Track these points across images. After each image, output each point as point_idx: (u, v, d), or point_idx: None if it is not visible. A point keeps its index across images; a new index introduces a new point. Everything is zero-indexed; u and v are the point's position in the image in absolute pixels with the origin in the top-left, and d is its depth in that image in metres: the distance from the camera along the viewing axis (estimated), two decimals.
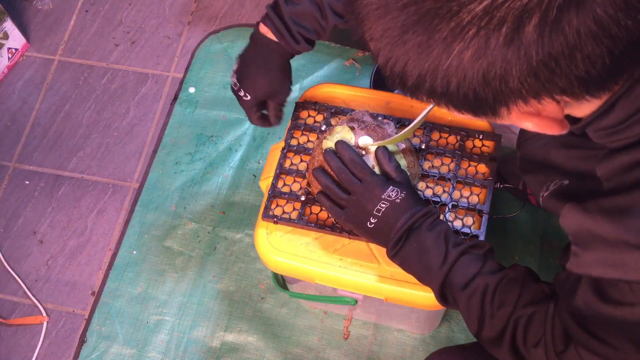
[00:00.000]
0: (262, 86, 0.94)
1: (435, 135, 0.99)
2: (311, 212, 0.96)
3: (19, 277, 1.43)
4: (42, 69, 1.68)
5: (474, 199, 0.94)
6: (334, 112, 1.03)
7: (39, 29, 1.73)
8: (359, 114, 0.96)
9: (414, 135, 0.99)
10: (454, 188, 0.95)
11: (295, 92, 1.53)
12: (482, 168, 0.96)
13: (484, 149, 0.98)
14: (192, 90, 1.59)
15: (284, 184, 0.99)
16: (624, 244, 0.55)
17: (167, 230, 1.43)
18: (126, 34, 1.70)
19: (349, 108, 1.03)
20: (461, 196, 0.94)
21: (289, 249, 0.95)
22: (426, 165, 0.97)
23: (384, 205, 0.83)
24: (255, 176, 1.47)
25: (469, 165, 0.97)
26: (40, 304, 1.40)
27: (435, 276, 0.80)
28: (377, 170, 0.89)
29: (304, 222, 0.95)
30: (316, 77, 1.55)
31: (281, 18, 0.89)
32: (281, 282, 1.13)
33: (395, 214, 0.82)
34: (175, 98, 1.58)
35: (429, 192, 0.95)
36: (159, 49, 1.67)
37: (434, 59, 0.47)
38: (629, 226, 0.54)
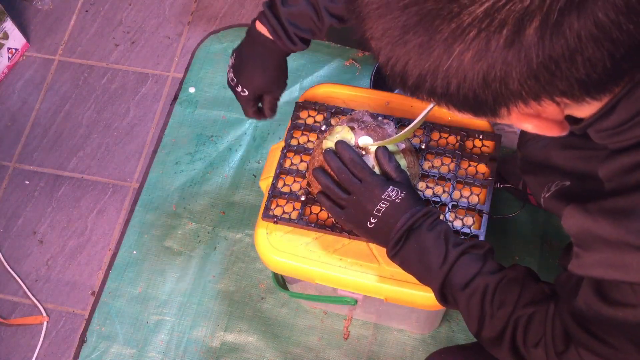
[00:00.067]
0: (259, 82, 0.96)
1: (435, 135, 0.99)
2: (311, 212, 0.96)
3: (19, 277, 1.43)
4: (42, 69, 1.68)
5: (474, 199, 0.94)
6: (334, 112, 1.03)
7: (39, 29, 1.73)
8: (359, 114, 0.96)
9: (414, 135, 0.99)
10: (454, 188, 0.95)
11: (295, 92, 1.53)
12: (482, 168, 0.96)
13: (484, 149, 0.98)
14: (192, 90, 1.59)
15: (284, 184, 0.99)
16: (626, 245, 0.55)
17: (167, 230, 1.43)
18: (126, 34, 1.70)
19: (349, 108, 1.03)
20: (461, 196, 0.94)
21: (289, 249, 0.95)
22: (426, 165, 0.97)
23: (384, 205, 0.83)
24: (255, 176, 1.47)
25: (469, 165, 0.97)
26: (40, 304, 1.40)
27: (435, 276, 0.80)
28: (377, 170, 0.89)
29: (304, 222, 0.95)
30: (316, 77, 1.55)
31: (278, 18, 0.90)
32: (281, 282, 1.13)
33: (395, 214, 0.82)
34: (175, 98, 1.58)
35: (429, 192, 0.95)
36: (159, 49, 1.67)
37: (435, 59, 0.47)
38: (630, 227, 0.54)
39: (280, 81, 0.98)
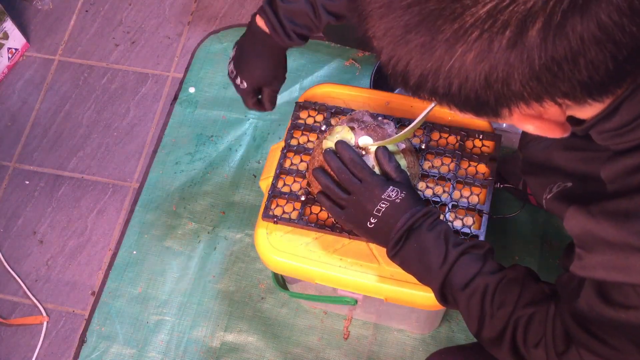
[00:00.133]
0: (258, 75, 0.97)
1: (435, 135, 0.99)
2: (311, 212, 0.96)
3: (19, 277, 1.43)
4: (42, 69, 1.68)
5: (474, 199, 0.94)
6: (334, 112, 1.03)
7: (39, 29, 1.73)
8: (359, 114, 0.96)
9: (414, 135, 0.99)
10: (454, 188, 0.95)
11: (295, 92, 1.53)
12: (482, 168, 0.96)
13: (484, 149, 0.98)
14: (192, 90, 1.59)
15: (284, 184, 0.99)
16: (628, 247, 0.55)
17: (167, 230, 1.43)
18: (126, 34, 1.70)
19: (349, 108, 1.03)
20: (461, 196, 0.94)
21: (289, 249, 0.95)
22: (426, 165, 0.97)
23: (384, 205, 0.83)
24: (255, 176, 1.47)
25: (469, 165, 0.97)
26: (40, 304, 1.40)
27: (435, 276, 0.80)
28: (377, 170, 0.89)
29: (304, 222, 0.95)
30: (316, 77, 1.55)
31: (276, 14, 0.91)
32: (281, 282, 1.13)
33: (395, 214, 0.82)
34: (175, 98, 1.58)
35: (429, 192, 0.95)
36: (159, 49, 1.67)
37: (437, 59, 0.47)
38: (633, 229, 0.54)
39: (279, 74, 1.00)
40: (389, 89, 1.24)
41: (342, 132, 0.92)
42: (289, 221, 0.96)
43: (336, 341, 1.29)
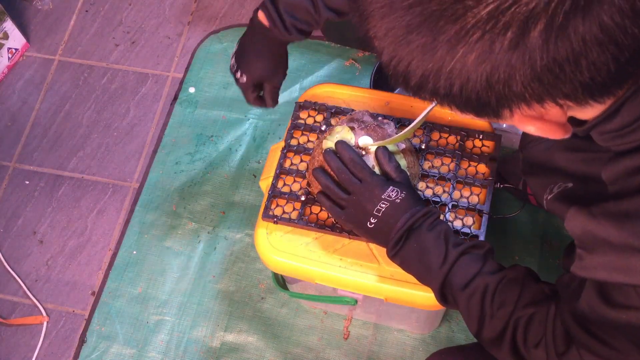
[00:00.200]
0: (257, 69, 0.98)
1: (435, 135, 0.99)
2: (311, 212, 0.96)
3: (19, 277, 1.43)
4: (42, 69, 1.68)
5: (474, 199, 0.94)
6: (334, 112, 1.03)
7: (39, 29, 1.73)
8: (359, 114, 0.96)
9: (414, 135, 0.99)
10: (454, 188, 0.95)
11: (295, 92, 1.53)
12: (482, 168, 0.96)
13: (484, 149, 0.98)
14: (192, 90, 1.59)
15: (284, 184, 0.99)
16: (630, 248, 0.55)
17: (167, 230, 1.43)
18: (126, 34, 1.70)
19: (349, 108, 1.03)
20: (461, 196, 0.94)
21: (289, 249, 0.95)
22: (426, 165, 0.97)
23: (384, 206, 0.83)
24: (255, 176, 1.47)
25: (469, 165, 0.97)
26: (40, 304, 1.40)
27: (435, 276, 0.80)
28: (377, 170, 0.89)
29: (304, 222, 0.95)
30: (316, 77, 1.55)
31: (277, 9, 0.92)
32: (281, 282, 1.13)
33: (395, 214, 0.82)
34: (175, 98, 1.58)
35: (429, 192, 0.95)
36: (159, 49, 1.67)
37: (438, 60, 0.47)
38: (633, 230, 0.54)
39: (278, 69, 1.00)
40: (389, 89, 1.24)
41: (342, 132, 0.92)
42: (289, 221, 0.96)
43: (336, 341, 1.29)
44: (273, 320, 1.32)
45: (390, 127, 0.94)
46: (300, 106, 1.05)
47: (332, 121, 1.03)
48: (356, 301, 1.02)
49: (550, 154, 0.85)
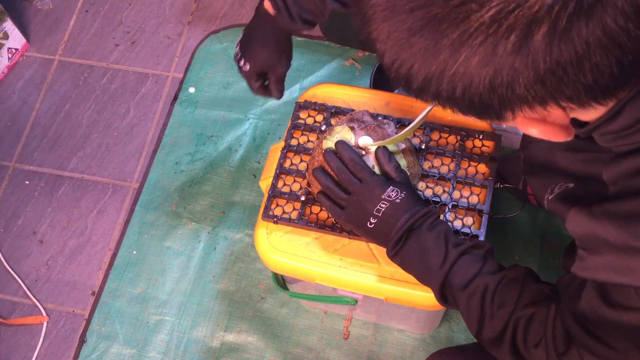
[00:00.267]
0: (260, 57, 0.98)
1: (435, 135, 0.99)
2: (311, 212, 0.96)
3: (19, 277, 1.43)
4: (42, 69, 1.68)
5: (474, 199, 0.94)
6: (334, 112, 1.03)
7: (39, 29, 1.73)
8: (359, 114, 0.96)
9: (414, 135, 0.99)
10: (454, 188, 0.95)
11: (295, 92, 1.53)
12: (482, 168, 0.96)
13: (484, 149, 0.98)
14: (192, 90, 1.59)
15: (284, 184, 0.99)
16: (630, 249, 0.55)
17: (167, 230, 1.43)
18: (126, 34, 1.70)
19: (349, 108, 1.03)
20: (461, 196, 0.94)
21: (289, 249, 0.95)
22: (426, 165, 0.97)
23: (384, 205, 0.83)
24: (255, 176, 1.47)
25: (469, 165, 0.97)
26: (40, 304, 1.40)
27: (435, 276, 0.80)
28: (377, 170, 0.89)
29: (304, 222, 0.95)
30: (316, 77, 1.55)
31: None
32: (281, 282, 1.13)
33: (395, 214, 0.82)
34: (175, 98, 1.58)
35: (429, 192, 0.95)
36: (159, 49, 1.67)
37: (440, 63, 0.47)
38: (635, 231, 0.54)
39: (282, 59, 1.00)
40: (389, 89, 1.24)
41: (342, 132, 0.92)
42: (289, 221, 0.96)
43: (336, 341, 1.29)
44: (273, 320, 1.32)
45: (390, 127, 0.94)
46: (300, 106, 1.05)
47: (332, 121, 1.03)
48: (356, 301, 1.02)
49: (551, 154, 0.85)
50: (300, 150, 1.01)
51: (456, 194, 0.95)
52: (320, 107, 1.04)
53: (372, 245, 0.94)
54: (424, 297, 0.90)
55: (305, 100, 1.05)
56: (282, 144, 1.02)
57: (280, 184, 0.99)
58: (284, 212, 0.97)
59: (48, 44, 1.70)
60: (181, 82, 1.60)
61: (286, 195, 0.97)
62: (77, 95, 1.63)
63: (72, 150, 1.57)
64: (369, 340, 1.28)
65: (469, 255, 0.80)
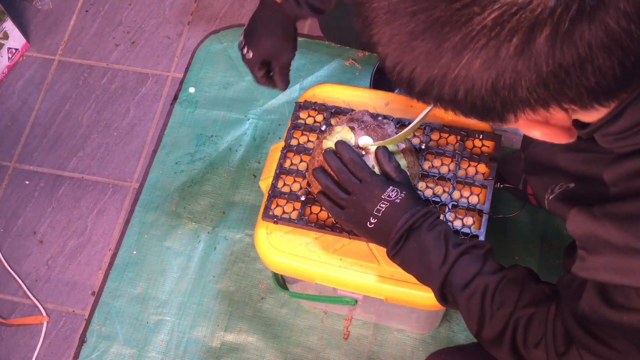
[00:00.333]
0: (264, 45, 0.97)
1: (435, 135, 0.99)
2: (311, 212, 0.96)
3: (19, 277, 1.43)
4: (42, 69, 1.67)
5: (474, 199, 0.94)
6: (334, 112, 1.03)
7: (39, 29, 1.73)
8: (359, 114, 0.96)
9: (414, 135, 0.99)
10: (454, 188, 0.95)
11: (295, 92, 1.53)
12: (482, 168, 0.96)
13: (484, 149, 0.98)
14: (192, 90, 1.59)
15: (284, 184, 0.99)
16: (631, 250, 0.55)
17: (167, 230, 1.43)
18: (126, 34, 1.70)
19: (349, 108, 1.03)
20: (461, 196, 0.94)
21: (289, 249, 0.95)
22: (426, 165, 0.97)
23: (383, 205, 0.83)
24: (255, 176, 1.47)
25: (469, 165, 0.97)
26: (40, 304, 1.40)
27: (435, 276, 0.80)
28: (377, 170, 0.89)
29: (304, 222, 0.95)
30: (316, 77, 1.55)
31: None
32: (281, 282, 1.13)
33: (395, 214, 0.82)
34: (175, 98, 1.58)
35: (429, 192, 0.95)
36: (159, 49, 1.67)
37: (443, 67, 0.47)
38: (635, 232, 0.55)
39: (287, 46, 0.99)
40: (389, 89, 1.24)
41: (342, 132, 0.92)
42: (289, 221, 0.96)
43: (336, 341, 1.29)
44: (273, 320, 1.32)
45: (390, 127, 0.94)
46: (300, 106, 1.05)
47: (332, 121, 1.03)
48: (356, 301, 1.02)
49: (552, 154, 0.85)
50: (300, 150, 1.01)
51: (456, 194, 0.95)
52: (320, 107, 1.04)
53: (372, 245, 0.94)
54: (424, 297, 0.90)
55: (305, 100, 1.05)
56: (282, 144, 1.02)
57: (280, 184, 0.99)
58: (284, 212, 0.97)
59: (48, 44, 1.70)
60: (181, 82, 1.60)
61: (286, 195, 0.97)
62: (77, 95, 1.63)
63: (72, 150, 1.57)
64: (369, 340, 1.28)
65: (469, 255, 0.80)
